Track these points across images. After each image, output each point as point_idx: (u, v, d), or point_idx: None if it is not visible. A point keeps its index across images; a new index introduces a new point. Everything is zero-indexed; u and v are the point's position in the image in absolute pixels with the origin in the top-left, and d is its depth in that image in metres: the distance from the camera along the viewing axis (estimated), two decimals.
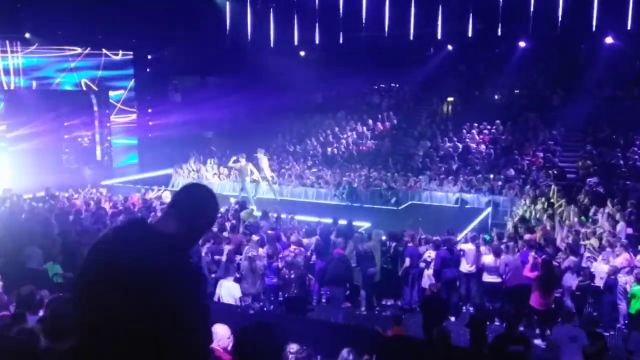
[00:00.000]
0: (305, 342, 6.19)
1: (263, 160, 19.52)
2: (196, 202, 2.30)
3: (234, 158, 19.48)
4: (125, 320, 1.98)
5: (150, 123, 26.91)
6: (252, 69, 24.47)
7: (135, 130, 26.55)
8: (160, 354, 1.99)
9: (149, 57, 26.35)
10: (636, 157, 18.63)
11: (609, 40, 21.26)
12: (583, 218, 13.49)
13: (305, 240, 11.46)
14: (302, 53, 25.40)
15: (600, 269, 10.07)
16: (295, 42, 24.79)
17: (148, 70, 26.46)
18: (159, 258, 2.07)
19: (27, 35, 21.33)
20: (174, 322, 2.00)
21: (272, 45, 25.02)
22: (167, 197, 15.23)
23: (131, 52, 25.49)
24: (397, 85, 26.97)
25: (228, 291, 9.29)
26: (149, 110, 26.98)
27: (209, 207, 2.32)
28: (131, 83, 26.04)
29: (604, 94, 21.89)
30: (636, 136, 19.65)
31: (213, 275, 10.51)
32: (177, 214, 2.25)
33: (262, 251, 10.67)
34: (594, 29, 20.82)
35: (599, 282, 9.94)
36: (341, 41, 24.09)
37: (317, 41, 24.42)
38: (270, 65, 23.85)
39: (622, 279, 9.68)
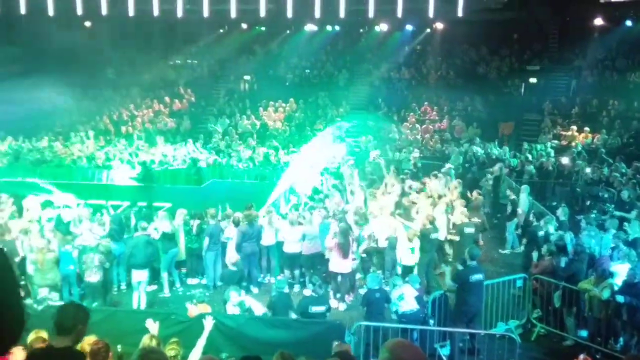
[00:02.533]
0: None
1: None
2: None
3: None
4: None
5: None
6: (29, 40, 21.74)
7: None
8: None
9: None
10: (407, 131, 21.25)
11: (383, 26, 23.68)
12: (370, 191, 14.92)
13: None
14: (87, 24, 23.32)
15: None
16: (79, 12, 22.70)
17: None
18: None
19: None
20: None
21: (51, 14, 22.53)
22: None
23: None
24: (195, 61, 26.46)
25: None
26: None
27: None
28: None
29: (380, 75, 24.39)
30: (407, 112, 22.40)
31: None
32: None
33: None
34: (370, 15, 22.99)
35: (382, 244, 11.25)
36: (131, 14, 22.72)
37: (104, 12, 22.66)
38: (51, 37, 21.47)
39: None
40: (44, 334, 5.48)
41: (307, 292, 10.18)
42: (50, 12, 22.60)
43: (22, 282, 9.52)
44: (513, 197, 13.45)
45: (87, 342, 4.97)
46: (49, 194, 13.46)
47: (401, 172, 15.89)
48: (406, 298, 8.51)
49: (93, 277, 9.47)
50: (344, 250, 10.08)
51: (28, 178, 17.62)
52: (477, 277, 8.68)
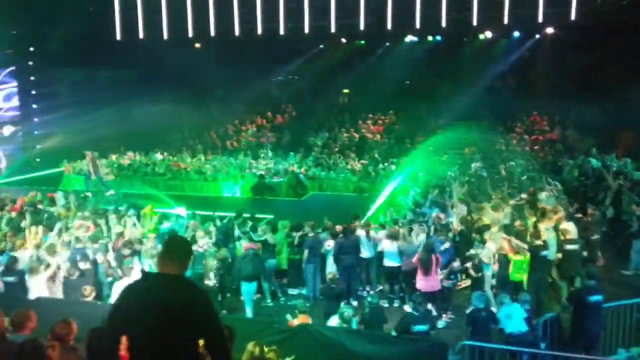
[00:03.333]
0: None
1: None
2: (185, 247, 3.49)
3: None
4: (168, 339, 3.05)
5: (36, 120, 25.03)
6: (146, 61, 23.50)
7: (19, 127, 24.64)
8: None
9: (31, 49, 24.44)
10: (515, 142, 20.31)
11: (488, 34, 22.86)
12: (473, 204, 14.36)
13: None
14: (197, 45, 24.77)
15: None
16: (190, 34, 24.17)
17: (30, 63, 24.54)
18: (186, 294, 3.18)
19: None
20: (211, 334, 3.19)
21: (165, 37, 24.20)
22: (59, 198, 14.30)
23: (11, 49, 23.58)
24: (295, 77, 27.19)
25: None
26: (34, 107, 25.08)
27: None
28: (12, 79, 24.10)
29: (484, 84, 23.52)
30: (514, 122, 21.37)
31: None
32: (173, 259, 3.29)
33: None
34: (474, 23, 22.26)
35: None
36: (237, 33, 23.81)
37: (212, 33, 23.95)
38: (165, 58, 23.08)
39: None
40: None
41: (407, 308, 9.94)
42: (165, 35, 24.23)
43: None
44: (639, 213, 12.32)
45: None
46: (165, 205, 14.39)
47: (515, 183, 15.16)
48: (514, 318, 8.03)
49: (209, 282, 10.02)
50: (425, 267, 9.75)
51: (146, 191, 19.00)
52: (596, 298, 8.01)
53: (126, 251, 10.08)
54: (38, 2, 20.21)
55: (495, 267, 10.18)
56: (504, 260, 10.15)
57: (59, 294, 9.02)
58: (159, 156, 22.52)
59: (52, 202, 14.42)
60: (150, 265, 10.17)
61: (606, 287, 9.84)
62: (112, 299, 8.61)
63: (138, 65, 24.02)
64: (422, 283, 9.87)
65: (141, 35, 24.44)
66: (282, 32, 23.51)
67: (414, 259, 9.98)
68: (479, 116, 22.36)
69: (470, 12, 21.91)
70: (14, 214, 12.77)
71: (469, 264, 10.14)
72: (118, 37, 24.64)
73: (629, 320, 8.69)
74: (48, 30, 22.56)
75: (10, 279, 8.94)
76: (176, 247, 3.39)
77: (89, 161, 19.01)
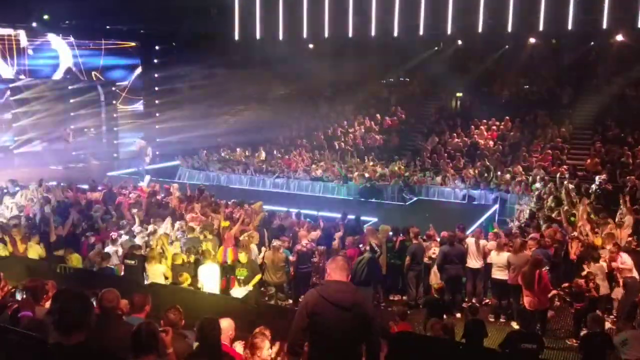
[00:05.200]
0: None
1: None
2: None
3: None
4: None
5: (157, 114, 26.95)
6: (261, 61, 24.41)
7: (142, 122, 26.64)
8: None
9: (157, 47, 26.34)
10: None
11: (619, 37, 21.08)
12: (593, 218, 13.39)
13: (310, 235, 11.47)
14: (311, 46, 25.28)
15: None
16: (304, 35, 24.71)
17: (155, 61, 26.46)
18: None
19: (34, 24, 21.36)
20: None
21: (281, 37, 24.96)
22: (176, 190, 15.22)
23: (140, 43, 25.52)
24: (407, 79, 26.85)
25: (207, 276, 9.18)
26: (156, 102, 27.02)
27: None
28: (138, 73, 26.11)
29: (612, 91, 21.74)
30: None
31: None
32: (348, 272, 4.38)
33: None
34: (604, 26, 20.61)
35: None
36: (350, 35, 23.97)
37: (326, 35, 24.31)
38: (280, 58, 23.80)
39: None
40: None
41: (515, 325, 9.41)
42: (281, 36, 24.99)
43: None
44: None
45: None
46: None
47: None
48: (632, 344, 7.32)
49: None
50: (526, 282, 9.11)
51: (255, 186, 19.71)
52: None
53: None
54: (162, 2, 21.59)
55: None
56: (629, 282, 9.28)
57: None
58: (263, 154, 23.29)
59: (168, 193, 15.33)
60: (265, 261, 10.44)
61: None
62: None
63: (254, 65, 24.98)
64: (527, 299, 9.29)
65: (258, 36, 25.39)
66: (395, 33, 23.32)
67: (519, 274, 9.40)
68: (605, 126, 20.71)
69: (601, 12, 20.35)
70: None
71: (589, 283, 9.40)
72: (236, 37, 25.78)
73: None
74: (172, 29, 24.14)
75: (132, 262, 9.64)
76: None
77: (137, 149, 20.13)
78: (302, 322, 4.14)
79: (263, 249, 10.92)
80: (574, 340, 9.11)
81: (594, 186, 16.13)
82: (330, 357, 4.16)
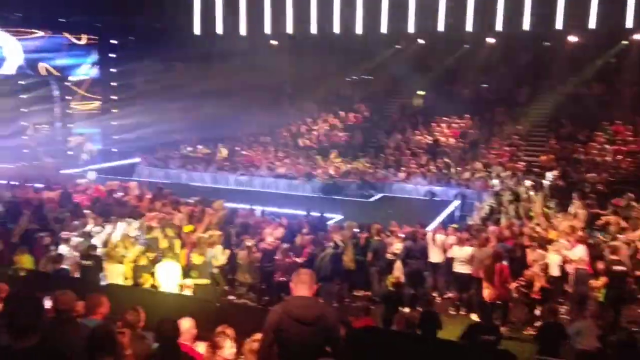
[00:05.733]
0: None
1: None
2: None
3: None
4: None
5: (115, 110, 26.29)
6: (223, 56, 24.09)
7: (99, 118, 25.93)
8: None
9: (113, 42, 25.66)
10: (595, 151, 19.22)
11: (572, 38, 21.73)
12: (546, 212, 13.79)
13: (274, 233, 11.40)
14: (274, 42, 25.13)
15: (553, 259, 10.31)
16: (267, 31, 24.55)
17: (112, 55, 25.78)
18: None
19: None
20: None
21: (242, 32, 24.71)
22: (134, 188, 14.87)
23: (96, 37, 24.80)
24: (370, 77, 26.99)
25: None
26: (113, 97, 26.34)
27: None
28: (94, 69, 25.39)
29: (566, 90, 22.42)
30: (596, 132, 20.25)
31: None
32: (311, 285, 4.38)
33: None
34: (558, 27, 21.20)
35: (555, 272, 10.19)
36: (313, 31, 23.94)
37: (289, 31, 24.21)
38: (242, 54, 23.56)
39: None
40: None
41: (474, 317, 9.60)
42: (243, 31, 24.74)
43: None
44: None
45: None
46: None
47: None
48: (585, 334, 7.57)
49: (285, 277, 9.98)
50: (487, 275, 9.33)
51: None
52: None
53: None
54: None
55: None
56: (582, 274, 9.60)
57: None
58: (224, 151, 23.05)
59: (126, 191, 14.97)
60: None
61: None
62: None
63: (215, 60, 24.64)
64: (487, 292, 9.49)
65: (219, 31, 25.06)
66: (358, 31, 23.43)
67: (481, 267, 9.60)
68: (559, 123, 21.33)
69: (555, 14, 20.92)
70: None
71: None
72: (197, 31, 25.38)
73: None
74: (130, 23, 23.56)
75: (88, 262, 9.37)
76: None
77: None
78: (268, 338, 4.29)
79: (226, 250, 10.77)
80: (530, 330, 9.38)
81: (546, 182, 16.65)
82: None
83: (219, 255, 10.13)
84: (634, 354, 7.74)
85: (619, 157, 18.82)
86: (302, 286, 4.34)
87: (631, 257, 9.84)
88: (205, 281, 9.10)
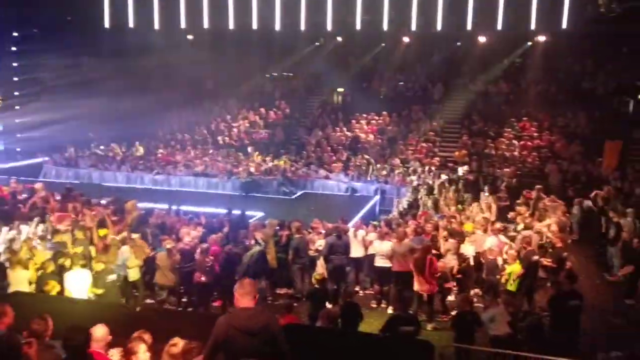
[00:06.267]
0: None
1: None
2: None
3: None
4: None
5: (17, 107, 24.58)
6: (135, 51, 23.15)
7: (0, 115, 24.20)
8: None
9: (15, 34, 23.95)
10: (504, 146, 20.31)
11: (481, 39, 22.82)
12: (459, 206, 14.39)
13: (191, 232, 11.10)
14: (189, 37, 24.48)
15: (468, 250, 10.81)
16: (183, 25, 23.87)
17: (14, 48, 24.06)
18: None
19: None
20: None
21: (156, 27, 23.87)
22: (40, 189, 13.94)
23: None
24: (290, 74, 26.95)
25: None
26: (15, 93, 24.61)
27: None
28: None
29: (476, 88, 23.52)
30: (505, 128, 21.41)
31: None
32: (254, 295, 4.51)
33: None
34: (468, 27, 22.16)
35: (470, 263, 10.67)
36: (231, 27, 23.55)
37: (206, 26, 23.67)
38: (156, 49, 22.75)
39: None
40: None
41: (392, 310, 9.83)
42: (156, 26, 23.89)
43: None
44: (617, 220, 12.35)
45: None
46: None
47: None
48: (498, 320, 7.97)
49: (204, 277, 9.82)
50: (418, 268, 9.63)
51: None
52: (574, 302, 8.02)
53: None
54: None
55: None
56: (493, 264, 10.09)
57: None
58: (140, 149, 22.25)
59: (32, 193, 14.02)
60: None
61: (586, 292, 9.86)
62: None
63: (127, 55, 23.64)
64: (418, 285, 9.72)
65: (131, 24, 24.08)
66: (277, 27, 23.32)
67: (411, 260, 9.80)
68: (471, 120, 22.34)
69: (465, 16, 21.87)
70: None
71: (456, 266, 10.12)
72: (107, 24, 24.25)
73: (609, 325, 8.70)
74: (33, 15, 22.12)
75: None
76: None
77: None
78: (213, 348, 4.34)
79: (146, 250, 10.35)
80: (445, 318, 9.75)
81: (456, 176, 17.41)
82: None
83: (131, 259, 9.71)
84: (541, 336, 8.27)
85: (525, 152, 20.02)
86: (246, 297, 4.42)
87: (540, 247, 10.46)
88: (98, 291, 8.72)
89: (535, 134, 21.10)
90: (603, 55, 22.66)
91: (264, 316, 4.48)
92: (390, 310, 9.92)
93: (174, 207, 13.62)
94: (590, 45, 22.30)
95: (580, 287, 9.31)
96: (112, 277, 9.12)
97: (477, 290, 10.77)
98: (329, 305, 9.41)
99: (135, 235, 10.29)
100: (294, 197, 18.77)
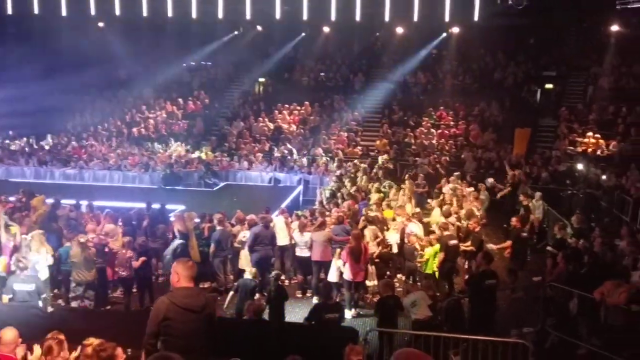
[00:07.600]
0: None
1: None
2: None
3: None
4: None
5: None
6: (42, 39, 21.72)
7: None
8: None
9: None
10: (422, 135, 20.97)
11: (399, 30, 23.35)
12: (380, 194, 14.67)
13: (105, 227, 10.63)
14: (100, 24, 23.28)
15: (392, 237, 11.10)
16: (92, 12, 22.66)
17: None
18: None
19: None
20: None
21: (63, 13, 22.48)
22: None
23: None
24: (209, 63, 26.31)
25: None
26: None
27: None
28: None
29: (395, 78, 24.07)
30: (423, 117, 22.09)
31: None
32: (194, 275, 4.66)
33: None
34: (386, 19, 22.57)
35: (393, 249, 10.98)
36: (145, 14, 22.60)
37: (117, 12, 22.58)
38: (64, 36, 21.46)
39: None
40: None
41: (316, 299, 9.90)
42: (64, 12, 22.53)
43: None
44: (526, 203, 13.12)
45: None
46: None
47: None
48: (420, 304, 8.24)
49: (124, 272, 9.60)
50: (355, 256, 9.75)
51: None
52: (490, 282, 8.44)
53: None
54: None
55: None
56: (411, 250, 10.42)
57: None
58: (50, 141, 21.04)
59: None
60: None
61: (501, 272, 10.39)
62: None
63: (32, 43, 22.12)
64: (354, 272, 9.67)
65: (36, 11, 22.57)
66: (194, 15, 22.65)
67: (345, 248, 9.85)
68: (391, 109, 22.84)
69: (383, 7, 22.24)
70: None
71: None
72: (9, 11, 22.61)
73: (520, 303, 9.21)
74: None
75: None
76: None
77: None
78: (155, 327, 4.42)
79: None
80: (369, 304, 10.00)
81: (377, 165, 17.80)
82: (184, 356, 4.17)
83: (44, 257, 9.18)
84: (460, 316, 8.64)
85: (442, 140, 20.77)
86: (187, 277, 4.58)
87: (459, 232, 10.88)
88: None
89: (452, 123, 21.93)
90: (512, 47, 23.94)
91: (203, 295, 4.74)
92: (315, 300, 9.99)
93: (84, 203, 12.95)
94: (500, 37, 23.43)
95: (496, 267, 9.81)
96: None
97: (400, 275, 11.10)
98: (257, 296, 9.39)
99: (38, 232, 9.70)
100: (216, 188, 18.43)
